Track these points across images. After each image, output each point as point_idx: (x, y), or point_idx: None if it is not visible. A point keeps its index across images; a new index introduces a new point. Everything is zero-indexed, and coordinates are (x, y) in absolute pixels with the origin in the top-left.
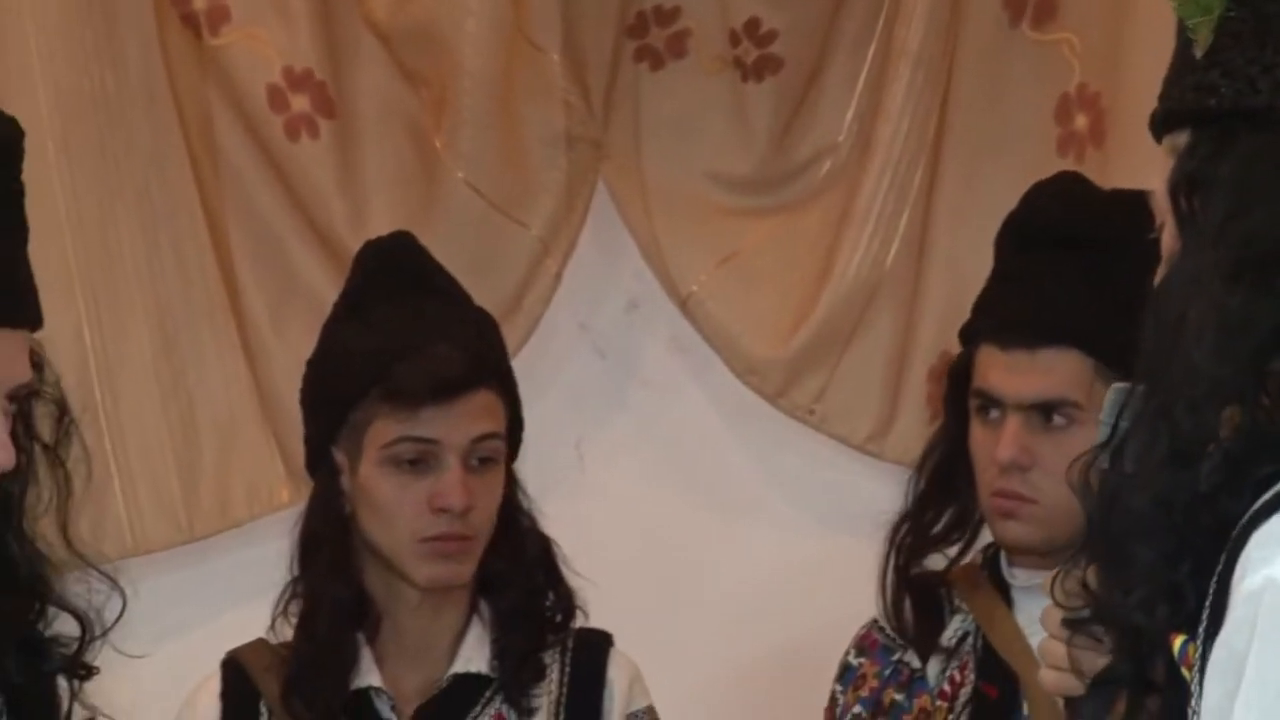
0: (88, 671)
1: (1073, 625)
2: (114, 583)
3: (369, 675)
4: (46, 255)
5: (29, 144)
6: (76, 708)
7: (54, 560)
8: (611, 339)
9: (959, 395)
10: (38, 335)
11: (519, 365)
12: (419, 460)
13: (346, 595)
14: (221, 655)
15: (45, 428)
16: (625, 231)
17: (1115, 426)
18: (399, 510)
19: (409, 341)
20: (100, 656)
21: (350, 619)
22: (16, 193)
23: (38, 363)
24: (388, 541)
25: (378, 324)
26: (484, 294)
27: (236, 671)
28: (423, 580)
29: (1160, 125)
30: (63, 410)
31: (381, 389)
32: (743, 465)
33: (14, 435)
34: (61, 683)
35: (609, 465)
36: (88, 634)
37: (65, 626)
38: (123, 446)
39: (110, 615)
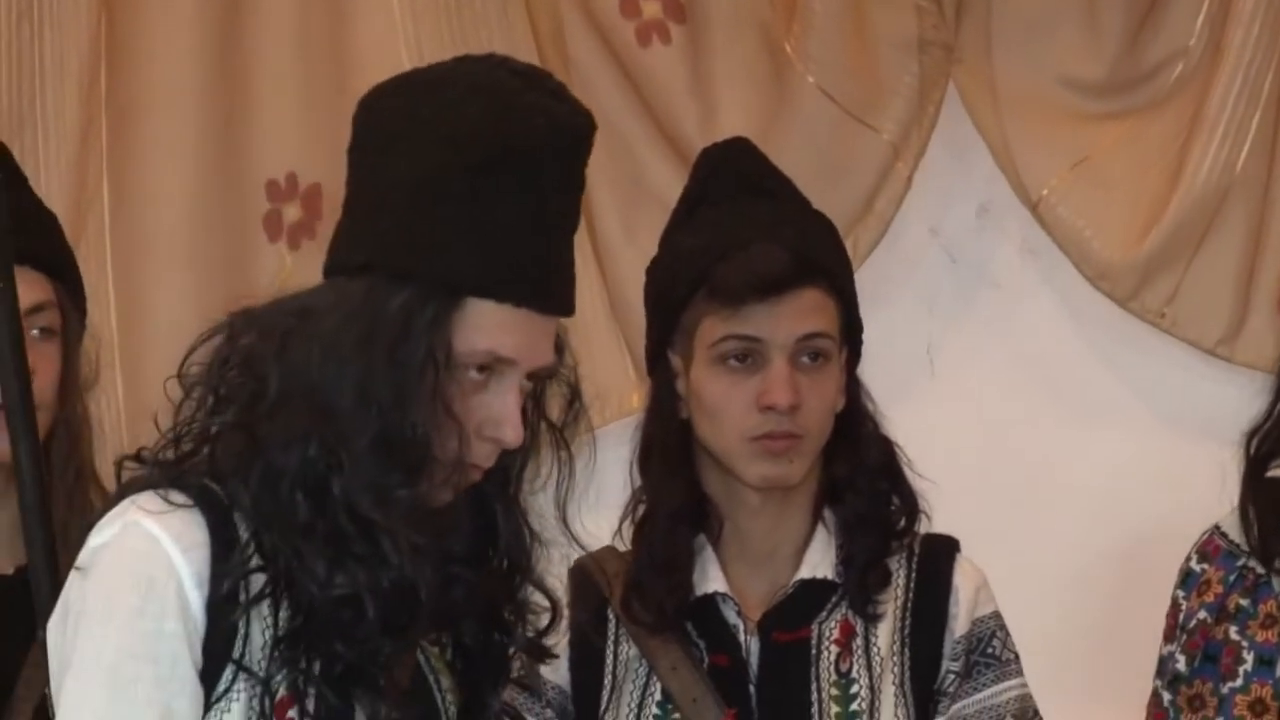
0: (544, 657)
1: None
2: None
3: (714, 580)
4: None
5: (383, 52)
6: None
7: (541, 538)
8: (962, 243)
9: None
10: None
11: (869, 270)
12: (745, 358)
13: (682, 500)
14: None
15: (555, 406)
16: (976, 135)
17: None
18: (727, 409)
19: (733, 240)
20: None
21: (688, 524)
22: (577, 185)
23: (559, 347)
24: (719, 442)
25: (705, 226)
26: (834, 198)
27: (585, 578)
28: (753, 480)
29: None
30: (574, 394)
31: (707, 288)
32: (1093, 369)
33: (524, 411)
34: None
35: (959, 369)
36: (557, 618)
37: None
38: None
39: None
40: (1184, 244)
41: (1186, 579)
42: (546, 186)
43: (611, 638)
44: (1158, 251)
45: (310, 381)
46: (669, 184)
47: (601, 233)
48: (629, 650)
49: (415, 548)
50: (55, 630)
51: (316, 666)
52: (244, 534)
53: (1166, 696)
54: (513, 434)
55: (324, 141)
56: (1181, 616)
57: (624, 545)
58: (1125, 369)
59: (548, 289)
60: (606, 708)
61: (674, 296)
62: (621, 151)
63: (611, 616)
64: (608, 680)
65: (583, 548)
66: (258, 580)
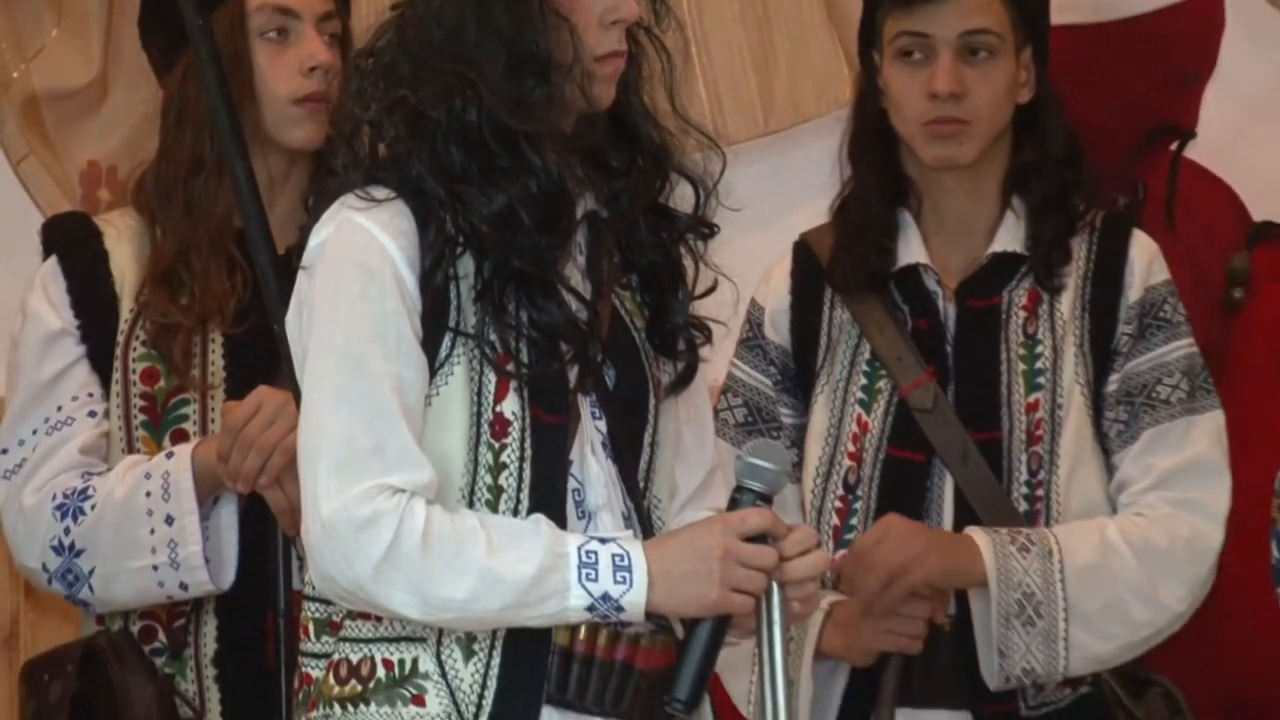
0: (710, 229)
1: None
2: (713, 143)
3: (917, 252)
4: None
5: None
6: (703, 269)
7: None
8: None
9: None
10: None
11: None
12: (913, 52)
13: (878, 181)
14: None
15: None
16: None
17: None
18: (905, 98)
19: None
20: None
21: (884, 196)
22: None
23: None
24: (902, 127)
25: None
26: None
27: (805, 252)
28: (928, 159)
29: None
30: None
31: None
32: None
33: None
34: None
35: None
36: (702, 194)
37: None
38: (706, 50)
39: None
40: None
41: None
42: None
43: (828, 303)
44: None
45: (436, 43)
46: None
47: None
48: (843, 314)
49: (556, 150)
50: (292, 323)
51: (524, 315)
52: (442, 213)
53: None
54: (628, 6)
55: None
56: None
57: None
58: None
59: None
60: (822, 364)
61: None
62: None
63: (829, 284)
64: (823, 340)
65: (696, 128)
66: (461, 255)
